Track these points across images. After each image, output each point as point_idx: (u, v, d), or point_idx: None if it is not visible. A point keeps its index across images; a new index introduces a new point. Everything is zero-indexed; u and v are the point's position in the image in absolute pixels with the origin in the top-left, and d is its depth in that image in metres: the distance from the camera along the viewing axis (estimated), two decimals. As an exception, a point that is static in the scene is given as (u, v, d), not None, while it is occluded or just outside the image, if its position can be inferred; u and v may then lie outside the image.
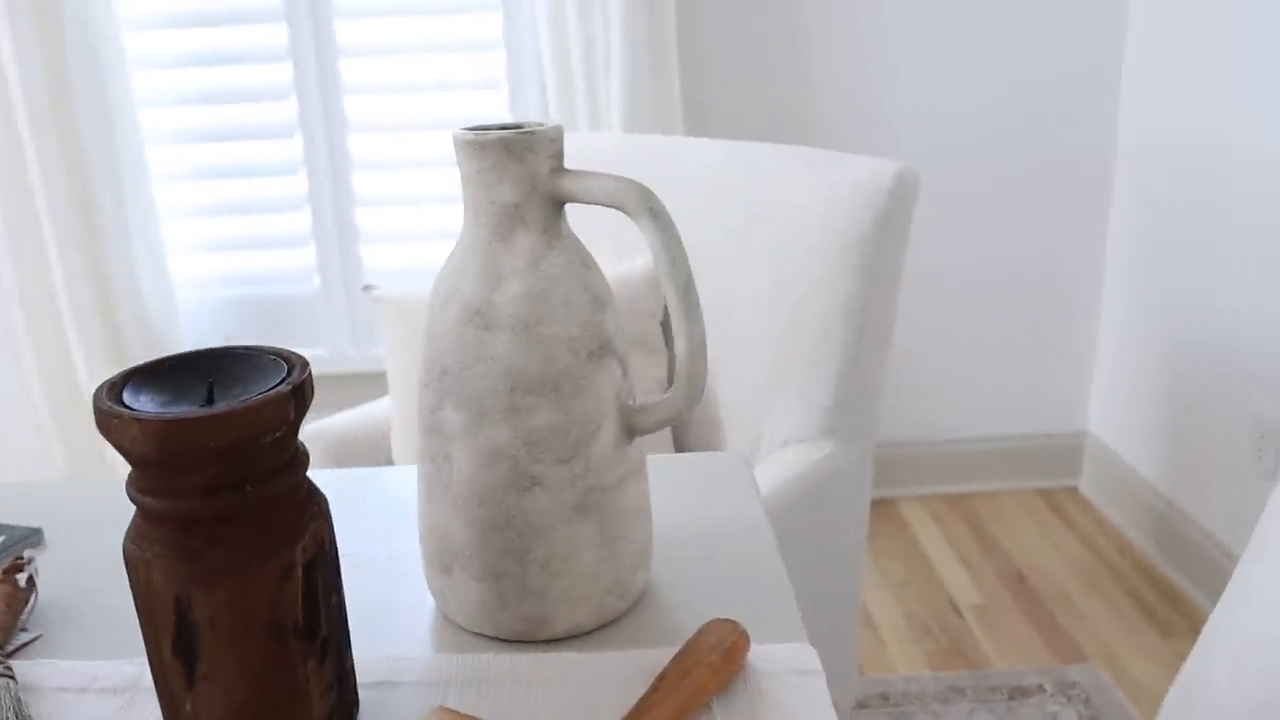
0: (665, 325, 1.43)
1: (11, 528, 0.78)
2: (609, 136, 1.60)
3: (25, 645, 0.64)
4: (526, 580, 0.59)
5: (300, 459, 0.50)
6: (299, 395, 0.48)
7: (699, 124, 2.16)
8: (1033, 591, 2.11)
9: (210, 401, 0.50)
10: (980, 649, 1.94)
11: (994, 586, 2.13)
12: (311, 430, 1.33)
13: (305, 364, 0.50)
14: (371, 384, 2.27)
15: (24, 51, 1.89)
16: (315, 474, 0.84)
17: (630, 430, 0.60)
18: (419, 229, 2.19)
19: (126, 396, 0.48)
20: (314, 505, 0.51)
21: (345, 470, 0.85)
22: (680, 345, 0.57)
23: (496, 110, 2.12)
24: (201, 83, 2.10)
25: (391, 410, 1.44)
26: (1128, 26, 2.17)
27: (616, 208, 0.56)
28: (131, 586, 0.50)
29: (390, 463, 1.42)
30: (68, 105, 1.95)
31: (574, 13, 1.94)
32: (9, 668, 0.59)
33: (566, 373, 0.57)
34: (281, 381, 0.48)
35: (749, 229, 1.34)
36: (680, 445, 1.45)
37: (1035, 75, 2.19)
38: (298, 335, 2.27)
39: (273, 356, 0.52)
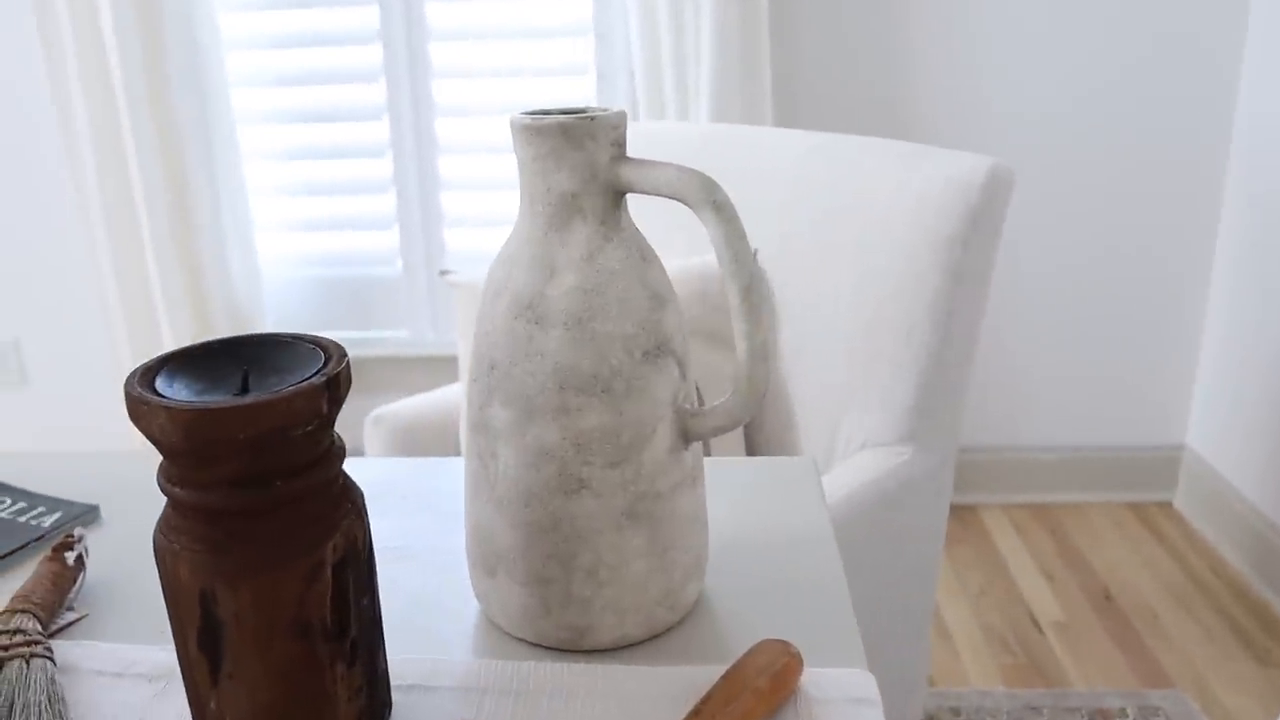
0: (742, 320, 1.39)
1: (70, 504, 0.78)
2: (691, 125, 1.56)
3: (69, 625, 0.64)
4: (571, 587, 0.57)
5: (334, 453, 0.48)
6: (333, 388, 0.46)
7: (789, 116, 2.11)
8: (1118, 609, 2.02)
9: (245, 390, 0.48)
10: (1060, 667, 1.86)
11: (1077, 602, 2.05)
12: (378, 415, 1.33)
13: (343, 354, 0.48)
14: (448, 368, 2.27)
15: (123, 31, 1.93)
16: (372, 462, 0.83)
17: (686, 435, 0.57)
18: (502, 214, 2.18)
19: (159, 383, 0.47)
20: (347, 502, 0.49)
21: (402, 460, 0.84)
22: (741, 348, 0.54)
23: (583, 97, 2.10)
24: (293, 64, 2.12)
25: (461, 397, 1.43)
26: (1249, 9, 2.06)
27: (679, 199, 0.53)
28: (160, 577, 0.48)
29: (458, 451, 1.41)
30: (164, 84, 1.99)
31: (664, 1, 1.91)
32: (49, 648, 0.58)
33: (620, 373, 0.54)
34: (316, 373, 0.46)
35: (833, 222, 1.30)
36: (752, 445, 1.41)
37: (1145, 63, 2.09)
38: (379, 317, 2.28)
39: (311, 345, 0.50)
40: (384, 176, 2.18)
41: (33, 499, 0.79)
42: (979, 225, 1.18)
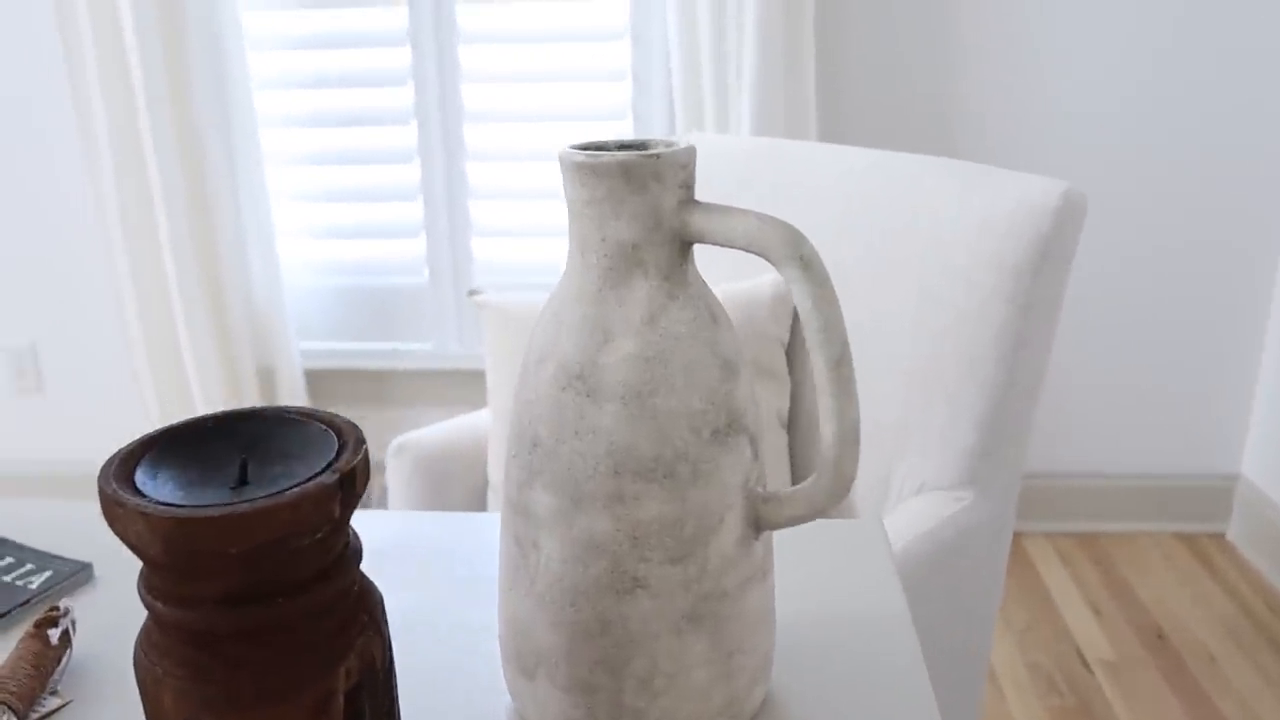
0: (790, 350, 1.31)
1: (61, 560, 0.71)
2: (735, 139, 1.48)
3: (49, 715, 0.56)
4: (623, 697, 0.49)
5: (348, 559, 0.41)
6: (348, 486, 0.38)
7: (834, 130, 2.02)
8: (1171, 648, 1.93)
9: (244, 482, 0.40)
10: (1111, 710, 1.77)
11: (1127, 640, 1.95)
12: (401, 443, 1.26)
13: (360, 440, 0.40)
14: (475, 383, 2.20)
15: (144, 31, 1.86)
16: (390, 517, 0.75)
17: (758, 524, 0.49)
18: (533, 224, 2.10)
19: (140, 475, 0.39)
20: (364, 614, 0.41)
21: (425, 515, 0.76)
22: (828, 430, 0.46)
23: (618, 104, 2.02)
24: (318, 66, 2.05)
25: (489, 425, 1.35)
26: (1319, 31, 1.95)
27: (758, 253, 0.45)
28: (141, 699, 0.41)
29: (485, 482, 1.33)
30: (185, 85, 1.92)
31: (705, 2, 1.82)
32: (21, 752, 0.51)
33: (685, 455, 0.46)
34: (327, 467, 0.38)
35: (888, 249, 1.21)
36: (799, 480, 1.33)
37: (1211, 79, 1.99)
38: (403, 329, 2.21)
39: (324, 426, 0.42)
40: (411, 183, 2.11)
41: (22, 553, 0.72)
42: (1050, 254, 1.09)
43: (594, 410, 0.46)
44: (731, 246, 0.46)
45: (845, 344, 0.45)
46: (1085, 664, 1.89)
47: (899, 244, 1.20)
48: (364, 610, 0.41)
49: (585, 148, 0.47)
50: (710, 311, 0.48)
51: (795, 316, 1.30)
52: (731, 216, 0.45)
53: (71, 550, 0.73)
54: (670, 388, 0.46)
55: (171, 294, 2.03)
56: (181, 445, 0.41)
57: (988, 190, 1.14)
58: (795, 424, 1.31)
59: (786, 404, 1.28)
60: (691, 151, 0.46)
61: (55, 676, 0.58)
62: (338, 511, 0.38)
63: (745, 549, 0.49)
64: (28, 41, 2.09)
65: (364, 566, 0.68)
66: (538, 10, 1.97)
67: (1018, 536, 2.30)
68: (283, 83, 2.05)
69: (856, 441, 0.46)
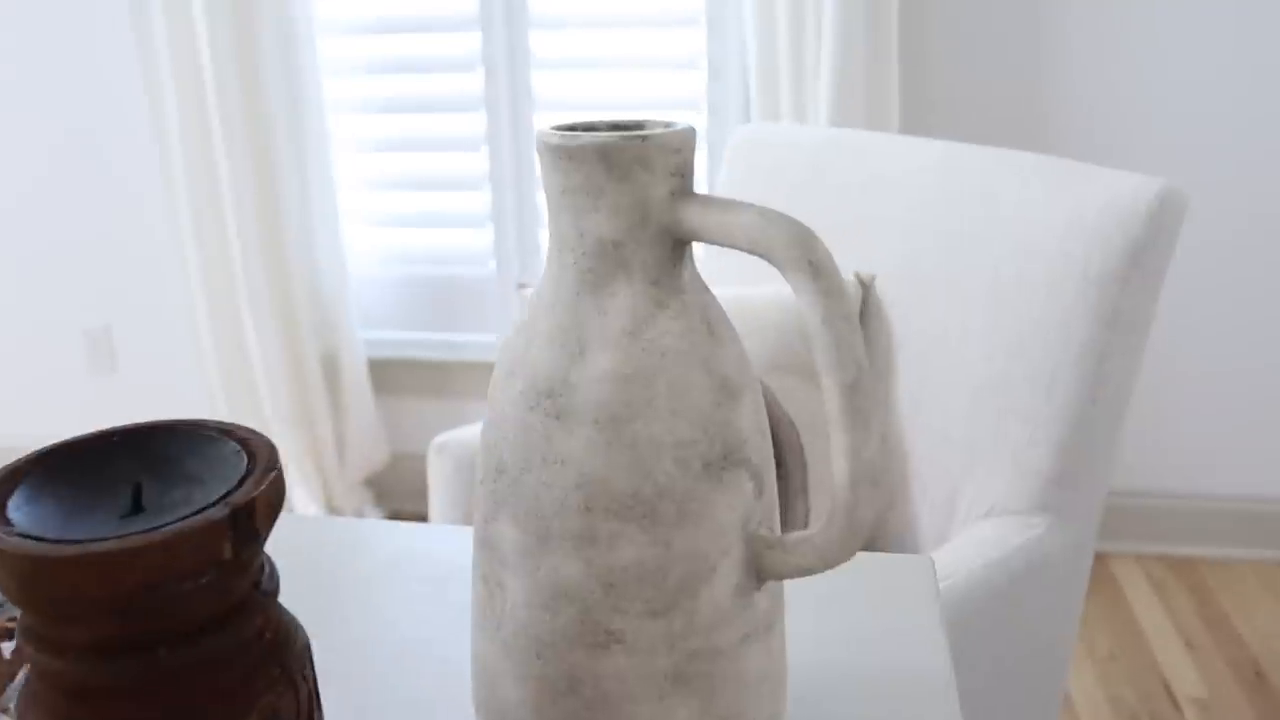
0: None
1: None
2: (803, 129, 1.39)
3: (-9, 739, 0.52)
4: (596, 765, 0.42)
5: (253, 603, 0.35)
6: (242, 521, 0.32)
7: (919, 122, 1.92)
8: (1270, 688, 1.79)
9: (138, 510, 0.35)
10: (1201, 752, 1.64)
11: (1222, 677, 1.82)
12: (442, 442, 1.21)
13: (270, 466, 0.34)
14: (538, 376, 2.15)
15: (216, 15, 1.85)
16: (395, 529, 0.70)
17: (760, 573, 0.42)
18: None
19: (15, 500, 0.33)
20: (273, 667, 0.35)
21: (435, 528, 0.70)
22: (840, 468, 0.38)
23: (691, 94, 1.95)
24: (387, 51, 2.02)
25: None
26: None
27: (761, 255, 0.38)
28: (22, 753, 0.35)
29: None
30: (254, 70, 1.90)
31: (783, -13, 1.74)
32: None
33: (669, 491, 0.39)
34: (217, 501, 0.32)
35: (964, 249, 1.12)
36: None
37: (1332, 78, 1.84)
38: (467, 319, 2.17)
39: (237, 447, 0.36)
40: (479, 172, 2.07)
41: None
42: (1142, 261, 0.99)
43: (564, 435, 0.39)
44: (731, 246, 0.38)
45: (861, 367, 0.37)
46: (1174, 700, 1.76)
47: (973, 246, 1.11)
48: (275, 661, 0.35)
49: (570, 129, 0.40)
50: (707, 322, 0.40)
51: (860, 319, 1.21)
52: (730, 211, 0.38)
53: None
54: (653, 411, 0.39)
55: (237, 279, 2.02)
56: (73, 466, 0.36)
57: (1074, 188, 1.04)
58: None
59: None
60: (687, 134, 0.39)
61: (6, 696, 0.54)
62: (228, 552, 0.32)
63: (744, 601, 0.42)
64: (101, 31, 2.10)
65: (351, 589, 0.62)
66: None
67: (1104, 558, 2.17)
68: (351, 69, 2.03)
69: (874, 483, 0.39)
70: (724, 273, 1.40)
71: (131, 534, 0.31)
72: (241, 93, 1.91)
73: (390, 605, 0.61)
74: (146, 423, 0.37)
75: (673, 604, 0.40)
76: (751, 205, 0.38)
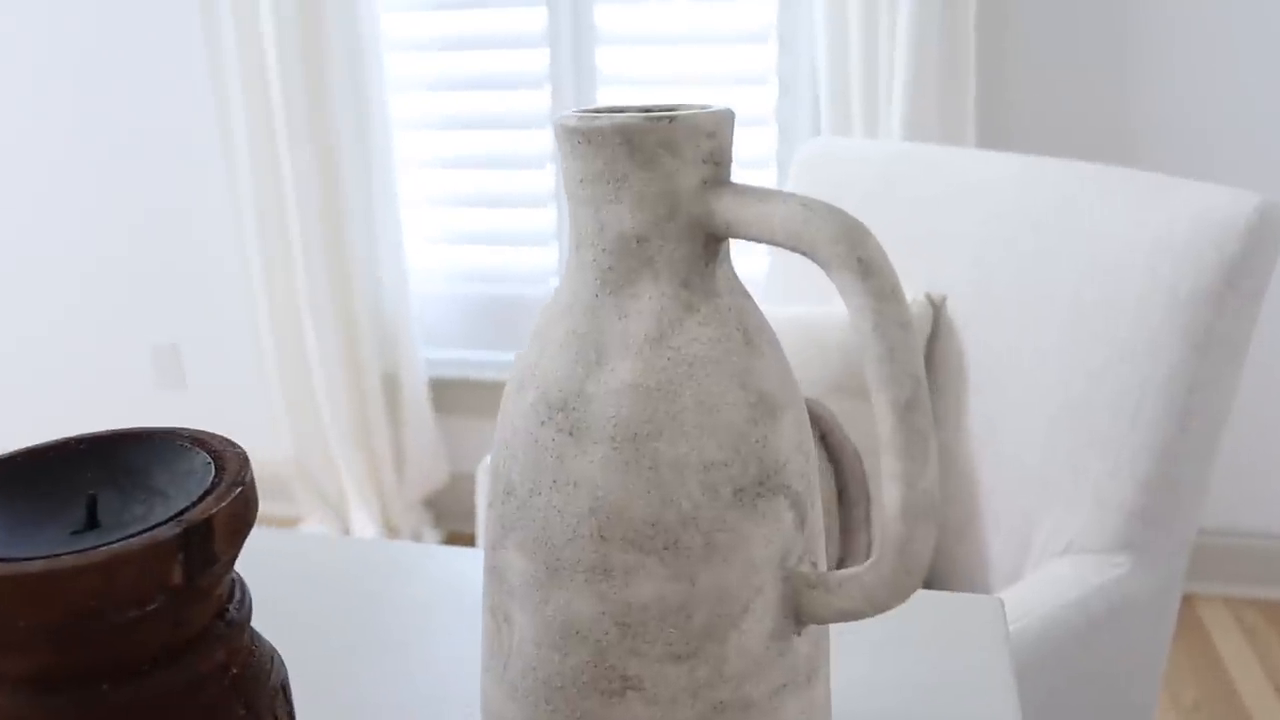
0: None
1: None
2: (872, 143, 1.34)
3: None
4: (613, 826, 0.37)
5: (214, 634, 0.31)
6: (197, 543, 0.28)
7: (996, 137, 1.85)
8: (1374, 745, 1.66)
9: (93, 526, 0.31)
10: (1297, 813, 1.53)
11: (1321, 731, 1.70)
12: (490, 461, 1.17)
13: (236, 481, 0.30)
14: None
15: (284, 32, 1.86)
16: (410, 549, 0.66)
17: (799, 615, 0.37)
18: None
19: (-45, 508, 0.30)
20: (237, 706, 0.31)
21: (463, 550, 0.66)
22: (893, 497, 0.33)
23: (762, 110, 1.90)
24: (454, 68, 2.01)
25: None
26: None
27: (804, 252, 0.33)
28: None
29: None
30: (321, 87, 1.91)
31: (855, 1, 1.69)
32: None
33: (694, 520, 0.34)
34: (170, 519, 0.29)
35: (1042, 268, 1.05)
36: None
37: None
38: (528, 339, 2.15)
39: (208, 459, 0.32)
40: (545, 190, 2.05)
41: None
42: (1237, 281, 0.92)
43: (577, 454, 0.35)
44: (770, 243, 0.34)
45: (919, 381, 0.32)
46: (1266, 754, 1.65)
47: (1052, 264, 1.04)
48: (240, 700, 0.31)
49: (587, 112, 0.36)
50: (743, 329, 0.36)
51: (929, 341, 1.15)
52: (769, 201, 0.33)
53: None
54: (678, 429, 0.34)
55: (300, 296, 2.02)
56: (31, 475, 0.32)
57: (1162, 203, 0.97)
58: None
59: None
60: (722, 116, 0.35)
61: None
62: (178, 576, 0.28)
63: (781, 647, 0.37)
64: (173, 50, 2.12)
65: (381, 617, 0.58)
66: (678, 11, 1.88)
67: (1190, 600, 2.05)
68: (418, 85, 2.02)
69: (931, 517, 0.33)
70: (802, 292, 1.35)
71: (65, 554, 0.27)
72: (308, 109, 1.91)
73: (418, 636, 0.57)
74: (116, 430, 0.34)
75: (698, 648, 0.35)
76: (793, 195, 0.33)
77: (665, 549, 0.34)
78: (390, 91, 2.00)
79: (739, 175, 1.95)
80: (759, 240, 0.34)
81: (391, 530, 2.17)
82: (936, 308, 1.14)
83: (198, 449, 0.33)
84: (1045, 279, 1.05)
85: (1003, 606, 0.59)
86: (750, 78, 1.89)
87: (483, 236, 2.09)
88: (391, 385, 2.13)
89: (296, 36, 1.87)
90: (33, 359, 2.47)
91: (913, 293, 1.14)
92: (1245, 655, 1.89)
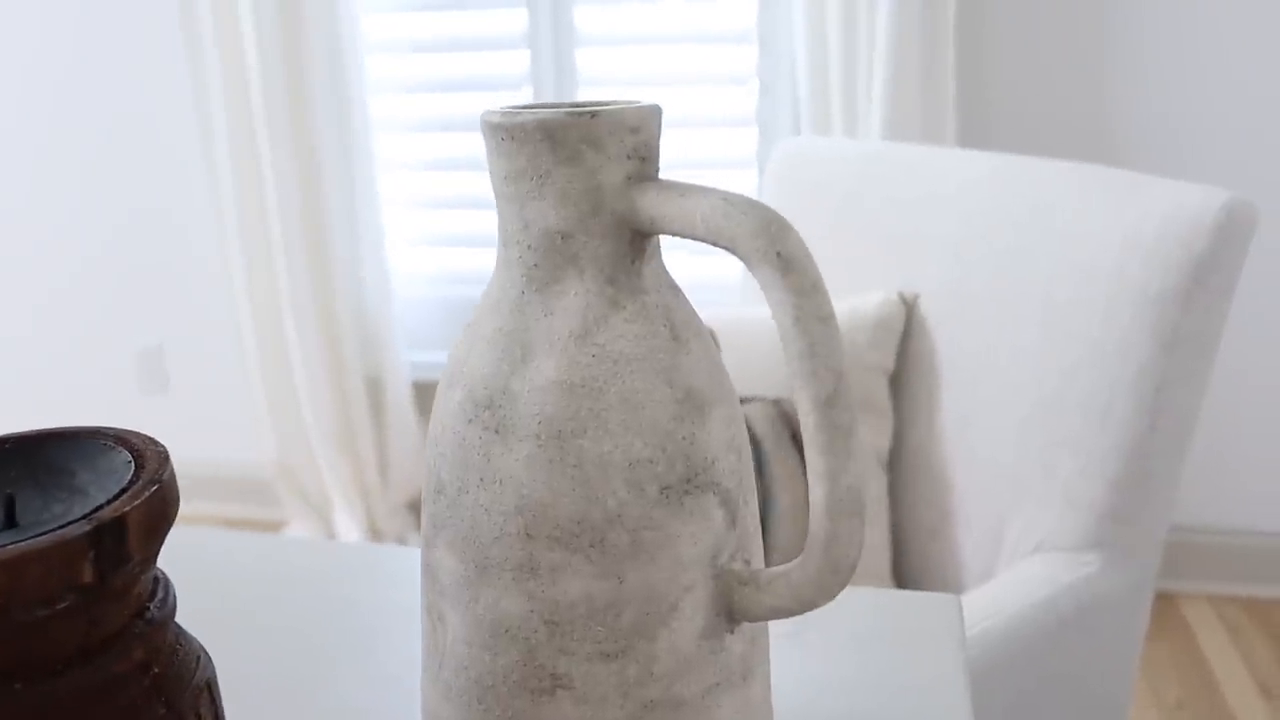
0: (895, 380, 1.16)
1: None
2: (849, 142, 1.34)
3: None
4: (546, 827, 0.37)
5: (133, 632, 0.31)
6: (108, 541, 0.28)
7: (977, 136, 1.85)
8: (1356, 742, 1.67)
9: (11, 524, 0.31)
10: (1278, 810, 1.53)
11: (1303, 728, 1.70)
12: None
13: (153, 479, 0.30)
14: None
15: (264, 34, 1.86)
16: (390, 549, 0.66)
17: (733, 614, 0.37)
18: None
19: None
20: (157, 705, 0.31)
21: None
22: (817, 494, 0.33)
23: (743, 110, 1.90)
24: (434, 70, 2.01)
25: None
26: None
27: (725, 248, 0.33)
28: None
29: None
30: (302, 89, 1.91)
31: (835, 1, 1.69)
32: None
33: (620, 517, 0.34)
34: (83, 517, 0.29)
35: (1012, 268, 1.05)
36: (898, 536, 1.17)
37: None
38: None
39: (129, 457, 0.32)
40: (526, 191, 2.04)
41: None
42: (1205, 278, 0.92)
43: (503, 452, 0.35)
44: (693, 238, 0.34)
45: (840, 376, 0.32)
46: (1248, 752, 1.65)
47: (1025, 263, 1.04)
48: (159, 699, 0.31)
49: (511, 109, 0.36)
50: (671, 327, 0.36)
51: (902, 341, 1.15)
52: (690, 197, 0.33)
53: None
54: (603, 426, 0.34)
55: (282, 299, 2.02)
56: (-49, 472, 0.32)
57: (1133, 201, 0.97)
58: (898, 464, 1.16)
59: (887, 442, 1.14)
60: (647, 112, 0.35)
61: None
62: (89, 574, 0.28)
63: (713, 645, 0.37)
64: (152, 53, 2.12)
65: (331, 618, 0.58)
66: (658, 13, 1.88)
67: (1174, 599, 2.05)
68: (399, 87, 2.02)
69: (857, 514, 0.33)
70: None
71: (-35, 555, 0.27)
72: (288, 112, 1.91)
73: (402, 639, 0.56)
74: (42, 430, 0.34)
75: (627, 646, 0.35)
76: (715, 190, 0.33)
77: (591, 547, 0.34)
78: (371, 93, 2.00)
79: (721, 175, 1.95)
80: (683, 235, 0.34)
81: (376, 534, 2.17)
82: (909, 306, 1.14)
83: (120, 448, 0.33)
84: (1018, 278, 1.05)
85: (960, 606, 0.59)
86: (731, 78, 1.89)
87: (464, 239, 2.09)
88: (375, 388, 2.13)
89: (277, 39, 1.87)
90: (14, 362, 2.46)
91: (886, 291, 1.14)
92: (1228, 653, 1.89)
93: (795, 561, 0.35)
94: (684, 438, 0.35)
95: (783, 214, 1.34)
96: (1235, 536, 2.02)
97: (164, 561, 0.63)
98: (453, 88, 2.01)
